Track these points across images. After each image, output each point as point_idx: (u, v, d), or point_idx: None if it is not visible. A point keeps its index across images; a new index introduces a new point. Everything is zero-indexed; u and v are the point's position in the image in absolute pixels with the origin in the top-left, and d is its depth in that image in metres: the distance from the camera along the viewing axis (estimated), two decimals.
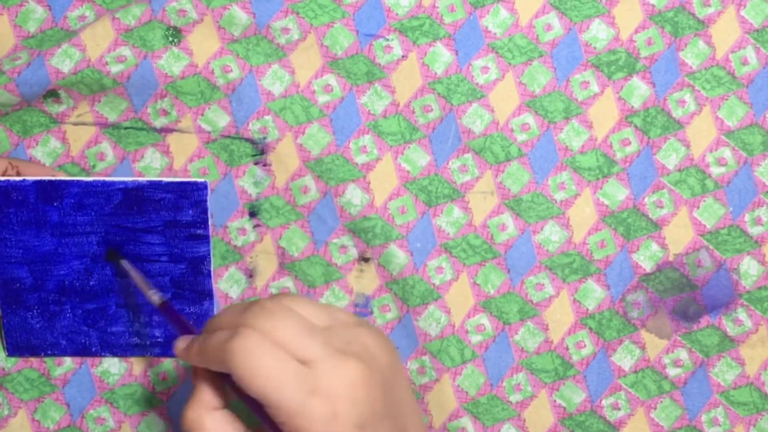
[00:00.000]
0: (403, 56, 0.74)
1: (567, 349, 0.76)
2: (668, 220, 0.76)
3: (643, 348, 0.76)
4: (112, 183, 0.70)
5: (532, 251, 0.76)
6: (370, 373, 0.57)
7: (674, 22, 0.75)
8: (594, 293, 0.76)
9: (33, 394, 0.74)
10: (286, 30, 0.73)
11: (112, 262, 0.71)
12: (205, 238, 0.72)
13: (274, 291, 0.75)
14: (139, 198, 0.71)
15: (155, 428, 0.75)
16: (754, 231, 0.76)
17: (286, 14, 0.73)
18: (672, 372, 0.77)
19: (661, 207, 0.76)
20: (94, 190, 0.70)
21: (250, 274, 0.75)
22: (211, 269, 0.73)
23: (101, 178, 0.70)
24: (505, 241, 0.76)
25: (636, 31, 0.75)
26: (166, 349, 0.74)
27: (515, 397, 0.76)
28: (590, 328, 0.76)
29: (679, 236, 0.76)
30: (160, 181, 0.71)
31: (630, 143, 0.76)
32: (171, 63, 0.73)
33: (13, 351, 0.73)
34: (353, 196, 0.74)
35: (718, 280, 0.76)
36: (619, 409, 0.77)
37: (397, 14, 0.74)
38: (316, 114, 0.74)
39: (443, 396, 0.76)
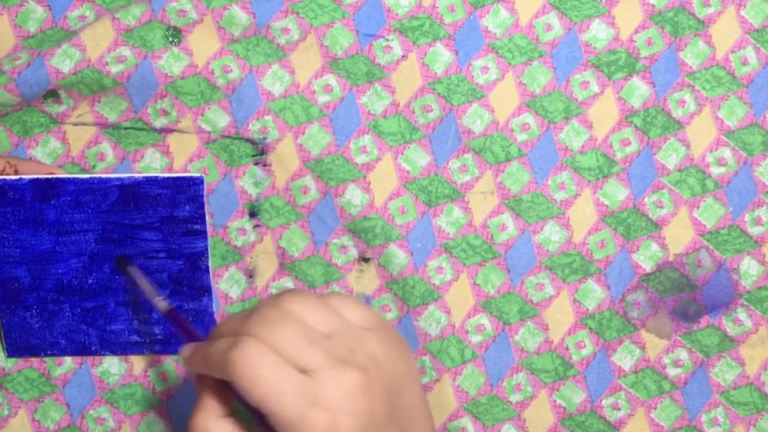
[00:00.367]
0: (403, 56, 0.74)
1: (567, 349, 0.76)
2: (668, 220, 0.76)
3: (643, 348, 0.76)
4: (109, 180, 0.70)
5: (532, 251, 0.76)
6: (370, 382, 0.57)
7: (674, 22, 0.75)
8: (594, 293, 0.76)
9: (33, 394, 0.74)
10: (286, 30, 0.73)
11: (121, 270, 0.71)
12: (203, 234, 0.72)
13: (274, 291, 0.75)
14: (136, 194, 0.71)
15: (155, 428, 0.75)
16: (754, 231, 0.76)
17: (286, 14, 0.73)
18: (672, 372, 0.77)
19: (661, 207, 0.76)
20: (90, 187, 0.70)
21: (250, 275, 0.75)
22: (209, 265, 0.73)
23: (98, 175, 0.71)
24: (505, 241, 0.76)
25: (636, 31, 0.75)
26: (166, 347, 0.74)
27: (515, 397, 0.76)
28: (590, 328, 0.76)
29: (679, 236, 0.76)
30: (157, 176, 0.71)
31: (630, 143, 0.76)
32: (171, 63, 0.73)
33: (12, 352, 0.73)
34: (353, 196, 0.75)
35: (718, 280, 0.76)
36: (619, 409, 0.77)
37: (397, 14, 0.74)
38: (316, 114, 0.74)
39: (443, 396, 0.76)
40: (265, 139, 0.74)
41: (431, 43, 0.74)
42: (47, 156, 0.73)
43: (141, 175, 0.71)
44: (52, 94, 0.72)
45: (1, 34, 0.72)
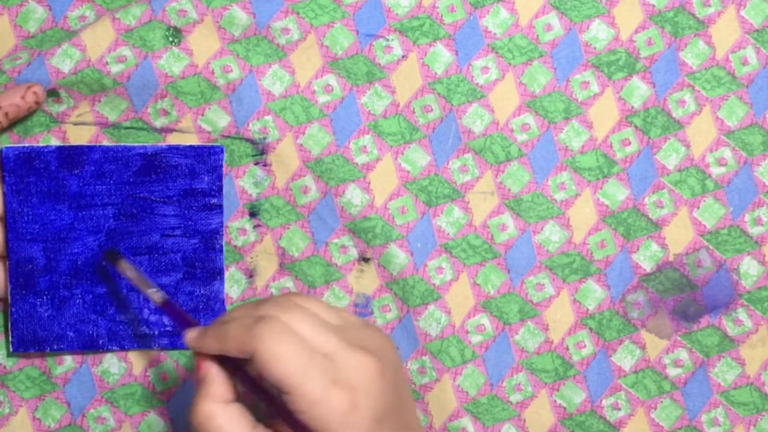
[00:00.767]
0: (403, 56, 0.74)
1: (567, 349, 0.76)
2: (668, 220, 0.76)
3: (643, 348, 0.76)
4: (132, 147, 0.72)
5: (533, 251, 0.76)
6: (383, 367, 0.58)
7: (674, 22, 0.75)
8: (594, 293, 0.76)
9: (34, 393, 0.74)
10: (286, 30, 0.74)
11: (111, 263, 0.72)
12: (219, 209, 0.73)
13: (274, 291, 0.75)
14: (158, 163, 0.72)
15: (156, 428, 0.75)
16: (754, 231, 0.76)
17: (286, 14, 0.74)
18: (672, 372, 0.77)
19: (661, 207, 0.76)
20: (114, 156, 0.72)
21: (250, 275, 0.75)
22: (223, 244, 0.73)
23: (122, 144, 0.72)
24: (505, 241, 0.76)
25: (636, 31, 0.75)
26: (174, 341, 0.74)
27: (515, 397, 0.76)
28: (590, 328, 0.76)
29: (679, 236, 0.76)
30: (179, 145, 0.72)
31: (630, 143, 0.76)
32: (171, 63, 0.73)
33: (18, 346, 0.73)
34: (353, 196, 0.75)
35: (718, 281, 0.76)
36: (619, 409, 0.77)
37: (397, 14, 0.74)
38: (316, 114, 0.74)
39: (443, 396, 0.76)
40: (265, 139, 0.74)
41: (431, 43, 0.74)
42: None
43: (164, 144, 0.72)
44: (53, 94, 0.72)
45: (2, 33, 0.72)
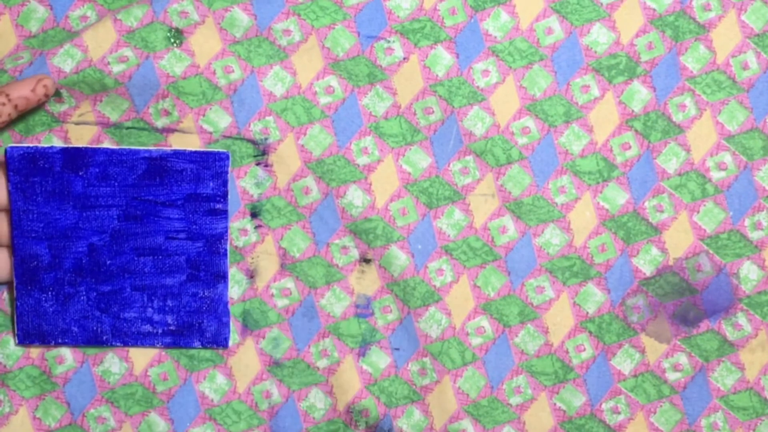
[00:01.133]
0: (404, 58, 0.75)
1: (567, 352, 0.76)
2: (668, 225, 0.76)
3: (642, 352, 0.76)
4: (137, 151, 0.72)
5: (533, 254, 0.76)
6: None
7: (675, 26, 0.75)
8: (594, 297, 0.76)
9: (34, 392, 0.74)
10: (287, 31, 0.74)
11: None
12: (224, 214, 0.73)
13: (275, 292, 0.75)
14: (163, 168, 0.72)
15: (156, 428, 0.75)
16: (754, 235, 0.76)
17: (288, 16, 0.74)
18: (672, 376, 0.77)
19: (662, 211, 0.76)
20: (119, 158, 0.72)
21: (251, 275, 0.75)
22: (228, 248, 0.73)
23: (127, 147, 0.72)
24: (505, 243, 0.76)
25: (637, 35, 0.75)
26: (177, 339, 0.74)
27: (515, 400, 0.76)
28: (590, 332, 0.76)
29: (679, 240, 0.76)
30: (184, 150, 0.72)
31: (630, 147, 0.76)
32: (173, 63, 0.73)
33: (23, 339, 0.73)
34: (354, 197, 0.75)
35: (718, 285, 0.76)
36: (618, 413, 0.77)
37: (398, 16, 0.74)
38: (317, 115, 0.74)
39: (444, 398, 0.76)
40: (266, 139, 0.74)
41: (432, 46, 0.75)
42: None
43: (169, 148, 0.72)
44: (54, 93, 0.72)
45: (3, 33, 0.73)
